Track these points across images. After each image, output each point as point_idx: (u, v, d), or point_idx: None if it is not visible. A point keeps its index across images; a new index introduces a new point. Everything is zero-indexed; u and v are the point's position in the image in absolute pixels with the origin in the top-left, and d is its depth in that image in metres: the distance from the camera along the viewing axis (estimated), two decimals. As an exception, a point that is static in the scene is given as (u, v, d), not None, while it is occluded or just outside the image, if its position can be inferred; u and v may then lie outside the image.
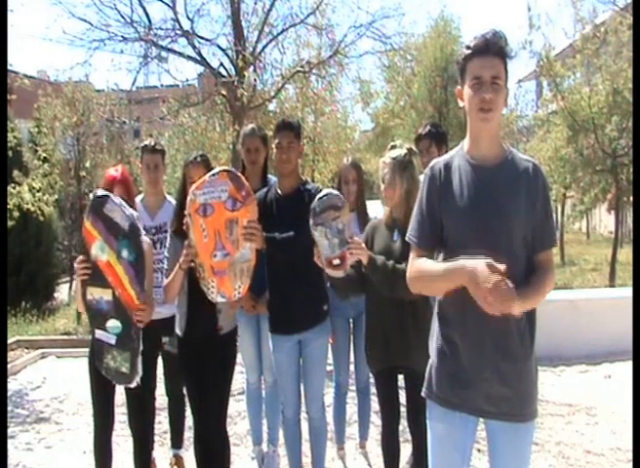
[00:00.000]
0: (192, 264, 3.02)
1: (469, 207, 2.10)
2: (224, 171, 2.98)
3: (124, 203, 3.02)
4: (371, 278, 2.95)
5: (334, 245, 2.85)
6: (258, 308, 3.61)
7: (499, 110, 2.11)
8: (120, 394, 3.24)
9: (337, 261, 2.84)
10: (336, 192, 2.95)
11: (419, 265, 2.17)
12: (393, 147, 3.15)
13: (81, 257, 3.04)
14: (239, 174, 3.01)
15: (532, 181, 2.12)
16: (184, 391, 3.82)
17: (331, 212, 2.86)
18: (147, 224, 3.65)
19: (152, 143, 3.85)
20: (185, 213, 3.02)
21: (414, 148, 3.19)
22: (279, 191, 3.35)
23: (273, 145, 3.36)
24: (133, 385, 3.05)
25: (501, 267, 1.89)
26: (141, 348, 3.01)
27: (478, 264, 1.92)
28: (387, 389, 3.14)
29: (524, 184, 2.12)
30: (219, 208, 2.93)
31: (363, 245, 2.88)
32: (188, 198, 2.98)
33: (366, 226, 3.30)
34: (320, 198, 2.87)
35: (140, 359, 3.00)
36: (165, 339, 3.59)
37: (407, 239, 2.29)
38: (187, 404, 3.87)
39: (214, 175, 2.96)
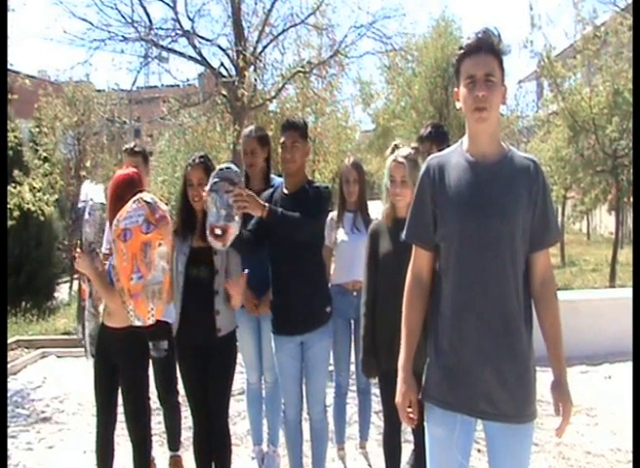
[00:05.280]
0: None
1: (468, 205, 2.09)
2: (139, 198, 3.02)
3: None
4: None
5: (220, 215, 2.96)
6: (260, 309, 3.61)
7: (494, 108, 2.08)
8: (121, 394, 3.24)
9: (218, 231, 2.96)
10: (237, 169, 3.06)
11: (408, 308, 2.27)
12: (396, 147, 3.15)
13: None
14: (157, 200, 3.04)
15: (533, 180, 2.11)
16: (178, 398, 3.82)
17: (225, 184, 2.96)
18: None
19: (132, 145, 3.95)
20: (110, 239, 3.09)
21: (419, 147, 3.20)
22: (285, 190, 3.35)
23: (279, 144, 3.36)
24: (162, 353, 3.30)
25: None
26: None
27: (399, 396, 2.27)
28: (392, 389, 3.13)
29: (524, 182, 2.10)
30: (136, 232, 2.98)
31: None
32: (113, 224, 3.04)
33: (369, 227, 3.29)
34: (221, 169, 3.01)
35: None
36: (150, 345, 3.57)
37: (405, 237, 2.26)
38: (182, 409, 3.88)
39: (134, 202, 3.02)
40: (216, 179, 2.96)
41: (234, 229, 2.98)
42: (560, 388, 2.17)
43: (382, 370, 3.11)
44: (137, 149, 3.90)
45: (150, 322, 3.00)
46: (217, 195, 2.94)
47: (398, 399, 2.24)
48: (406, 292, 2.26)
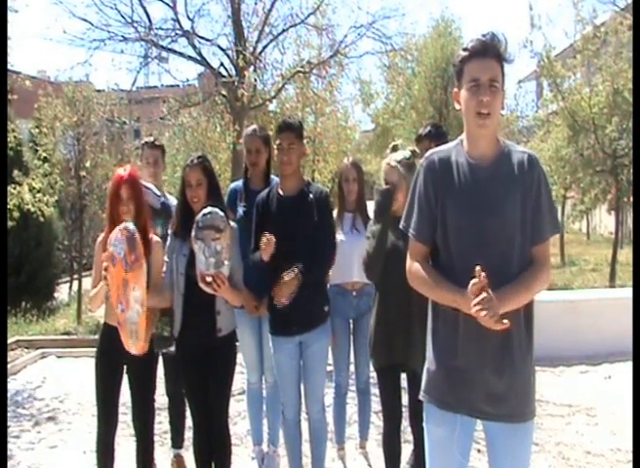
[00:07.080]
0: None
1: (468, 205, 2.09)
2: (124, 228, 2.96)
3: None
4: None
5: (209, 263, 2.94)
6: (260, 310, 3.60)
7: (496, 114, 2.08)
8: (122, 394, 3.24)
9: (209, 279, 2.94)
10: (221, 213, 3.00)
11: (425, 272, 2.13)
12: (395, 147, 3.14)
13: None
14: (136, 235, 2.94)
15: (526, 173, 2.10)
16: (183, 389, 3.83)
17: (212, 232, 2.93)
18: None
19: (152, 139, 4.07)
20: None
21: (416, 150, 3.19)
22: (281, 192, 3.34)
23: (275, 146, 3.36)
24: (172, 349, 3.27)
25: (483, 281, 1.94)
26: None
27: (466, 305, 1.98)
28: (390, 388, 3.14)
29: (520, 178, 2.10)
30: (119, 263, 2.97)
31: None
32: (107, 244, 3.03)
33: (367, 226, 3.29)
34: (204, 214, 2.96)
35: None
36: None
37: (402, 228, 2.24)
38: (187, 404, 3.88)
39: (120, 230, 2.98)
40: (200, 227, 2.94)
41: (225, 273, 2.99)
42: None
43: (382, 365, 3.11)
44: (157, 143, 4.04)
45: (133, 352, 3.02)
46: (203, 244, 2.93)
47: (466, 309, 1.99)
48: (414, 268, 2.18)
